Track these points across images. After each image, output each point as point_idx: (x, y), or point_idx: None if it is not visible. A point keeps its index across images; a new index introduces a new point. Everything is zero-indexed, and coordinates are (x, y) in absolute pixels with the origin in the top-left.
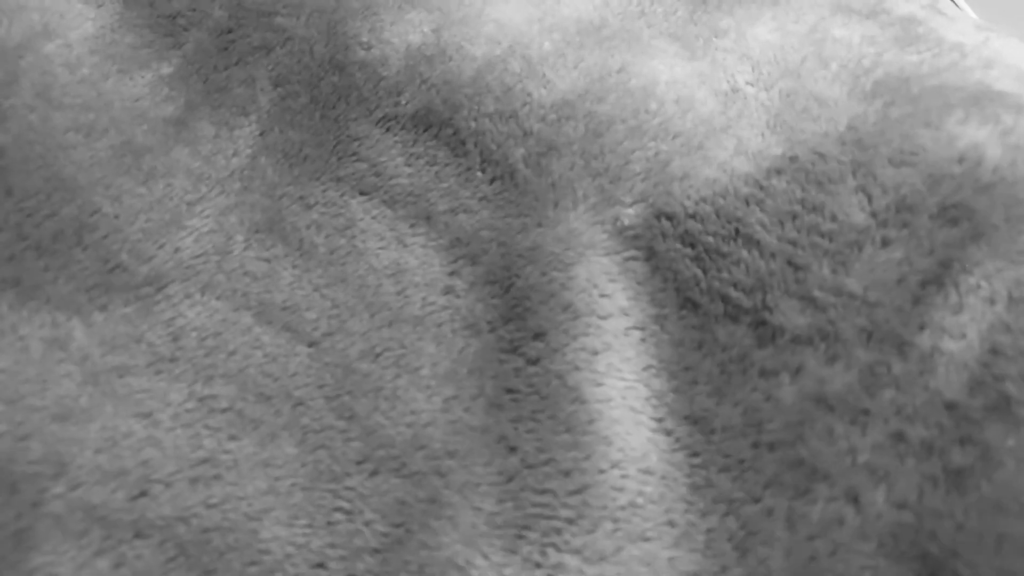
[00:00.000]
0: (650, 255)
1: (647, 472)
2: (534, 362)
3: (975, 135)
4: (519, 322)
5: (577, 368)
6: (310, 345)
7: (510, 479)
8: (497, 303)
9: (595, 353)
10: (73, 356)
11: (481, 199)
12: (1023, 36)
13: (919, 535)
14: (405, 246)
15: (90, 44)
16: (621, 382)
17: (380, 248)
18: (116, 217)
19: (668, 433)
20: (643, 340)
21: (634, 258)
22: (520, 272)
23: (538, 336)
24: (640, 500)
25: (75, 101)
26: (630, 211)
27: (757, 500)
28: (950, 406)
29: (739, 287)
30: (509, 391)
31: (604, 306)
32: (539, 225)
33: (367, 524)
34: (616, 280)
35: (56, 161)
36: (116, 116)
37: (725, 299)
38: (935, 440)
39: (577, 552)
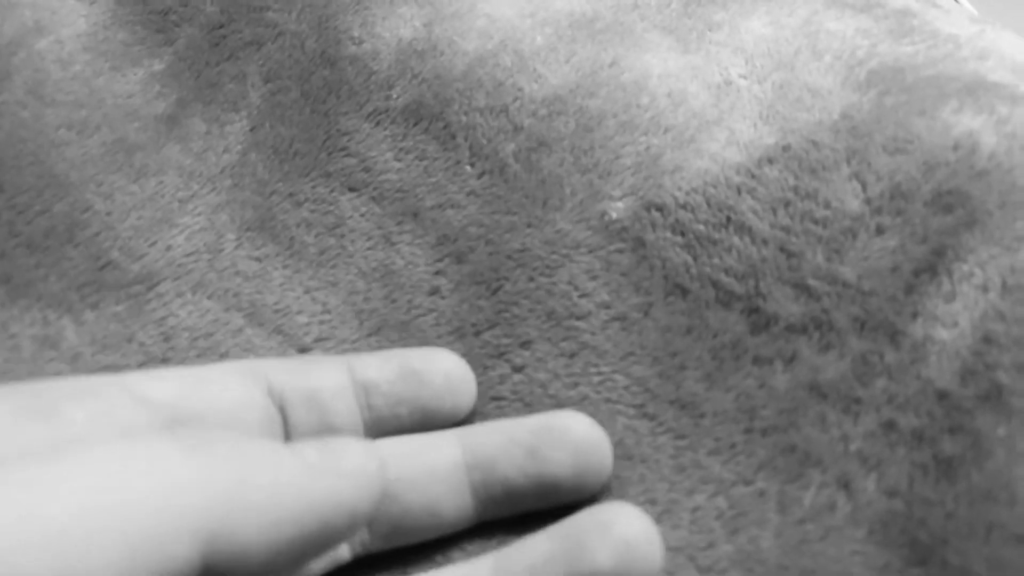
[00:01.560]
0: (637, 246)
1: (625, 457)
2: (519, 369)
3: (970, 123)
4: (506, 327)
5: (556, 376)
6: (301, 350)
7: None
8: (483, 304)
9: (571, 356)
10: (64, 355)
11: (469, 194)
12: (1020, 30)
13: (909, 523)
14: (392, 245)
15: (82, 41)
16: (597, 377)
17: (368, 249)
18: (108, 214)
19: (651, 418)
20: (624, 329)
21: (619, 251)
22: (508, 275)
23: (525, 344)
24: (615, 483)
25: (67, 98)
26: (619, 204)
27: (749, 483)
28: (941, 395)
29: (731, 273)
30: (494, 398)
31: (582, 306)
32: (528, 225)
33: None
34: (598, 276)
35: (48, 158)
36: (108, 113)
37: (716, 285)
38: (926, 429)
39: None
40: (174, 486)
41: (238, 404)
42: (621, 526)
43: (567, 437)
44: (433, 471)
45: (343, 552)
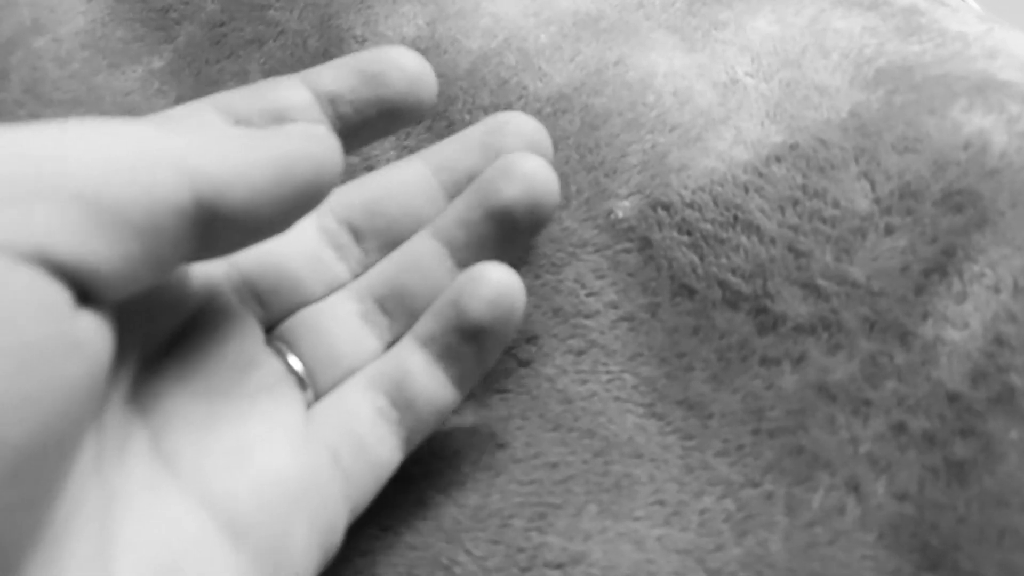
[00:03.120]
0: (644, 245)
1: (635, 456)
2: (525, 364)
3: (980, 122)
4: None
5: (564, 371)
6: None
7: (498, 474)
8: None
9: (580, 354)
10: None
11: None
12: None
13: (920, 527)
14: None
15: (80, 39)
16: (606, 375)
17: None
18: None
19: (660, 417)
20: (632, 329)
21: (626, 250)
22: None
23: (531, 340)
24: (626, 482)
25: (65, 96)
26: (625, 203)
27: (756, 485)
28: (952, 397)
29: (738, 273)
30: (498, 391)
31: (590, 305)
32: None
33: (360, 529)
34: (605, 276)
35: None
36: (106, 111)
37: (723, 285)
38: (937, 431)
39: (561, 533)
40: (150, 135)
41: None
42: (521, 165)
43: (511, 128)
44: (406, 182)
45: (341, 272)
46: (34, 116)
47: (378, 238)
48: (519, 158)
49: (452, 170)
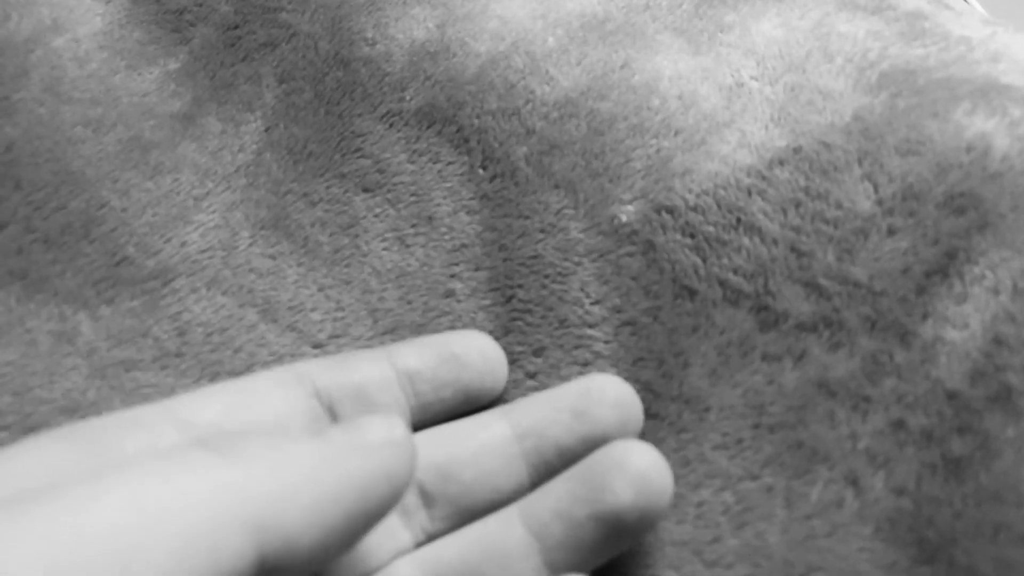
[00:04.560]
0: (647, 249)
1: None
2: (532, 376)
3: (983, 126)
4: (519, 335)
5: (568, 382)
6: (315, 347)
7: None
8: (499, 311)
9: (585, 365)
10: (80, 349)
11: (482, 198)
12: None
13: (917, 521)
14: (407, 247)
15: (99, 39)
16: None
17: (383, 250)
18: (123, 211)
19: (653, 416)
20: (634, 334)
21: (629, 254)
22: (522, 282)
23: (537, 352)
24: None
25: (83, 96)
26: (629, 207)
27: (756, 478)
28: (951, 395)
29: (739, 272)
30: (506, 403)
31: (595, 314)
32: (541, 231)
33: None
34: (609, 281)
35: (64, 155)
36: (124, 111)
37: (724, 284)
38: (935, 428)
39: None
40: (217, 486)
41: (282, 414)
42: (635, 462)
43: (606, 395)
44: (485, 446)
45: (404, 540)
46: (53, 114)
47: (449, 506)
48: (633, 453)
49: (538, 437)
